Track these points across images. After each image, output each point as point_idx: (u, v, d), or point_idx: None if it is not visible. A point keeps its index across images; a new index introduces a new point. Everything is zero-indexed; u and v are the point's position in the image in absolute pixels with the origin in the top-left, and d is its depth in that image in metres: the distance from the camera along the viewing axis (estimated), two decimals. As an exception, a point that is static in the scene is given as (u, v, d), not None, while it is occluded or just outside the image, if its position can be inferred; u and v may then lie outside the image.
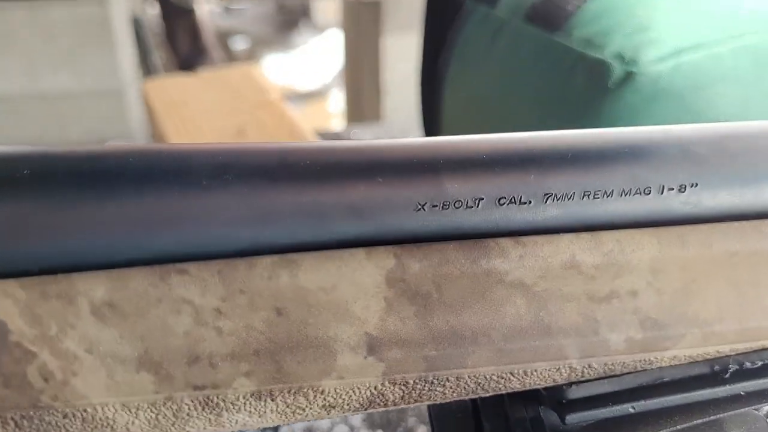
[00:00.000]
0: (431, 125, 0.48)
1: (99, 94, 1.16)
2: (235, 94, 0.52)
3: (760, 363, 0.18)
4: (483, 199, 0.16)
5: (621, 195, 0.16)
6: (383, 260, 0.15)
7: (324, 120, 1.97)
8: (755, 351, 0.18)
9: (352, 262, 0.15)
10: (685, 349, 0.17)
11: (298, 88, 2.15)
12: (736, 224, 0.17)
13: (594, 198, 0.16)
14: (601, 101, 0.35)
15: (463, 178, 0.16)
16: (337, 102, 1.99)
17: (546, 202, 0.16)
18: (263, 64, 2.32)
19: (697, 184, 0.17)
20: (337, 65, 2.00)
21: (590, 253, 0.16)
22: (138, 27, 1.30)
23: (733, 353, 0.17)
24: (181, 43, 1.86)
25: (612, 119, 0.35)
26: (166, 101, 0.50)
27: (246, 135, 0.45)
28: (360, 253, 0.15)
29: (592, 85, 0.35)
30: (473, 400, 0.18)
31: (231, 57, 2.46)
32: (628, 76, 0.34)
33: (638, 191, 0.16)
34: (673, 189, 0.17)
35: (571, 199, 0.16)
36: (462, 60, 0.43)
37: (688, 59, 0.35)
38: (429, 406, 0.19)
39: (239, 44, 2.45)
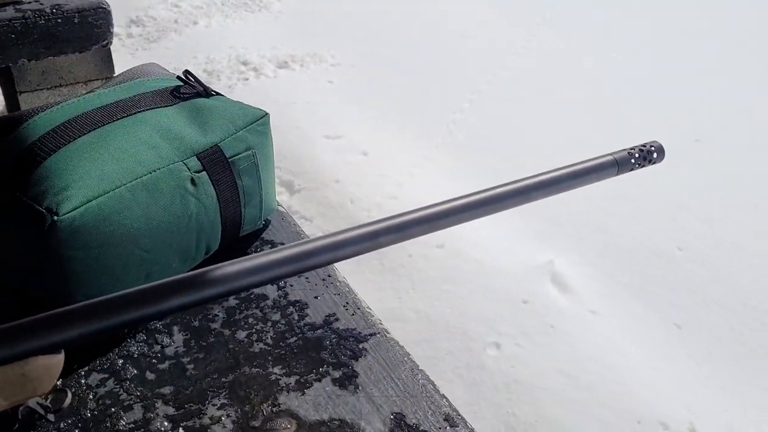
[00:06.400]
0: None
1: None
2: None
3: None
4: None
5: None
6: None
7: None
8: None
9: None
10: None
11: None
12: None
13: None
14: (46, 238, 0.55)
15: None
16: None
17: None
18: None
19: None
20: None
21: None
22: None
23: None
24: None
25: (53, 249, 0.56)
26: None
27: None
28: None
29: (40, 227, 0.55)
30: None
31: None
32: (54, 223, 0.55)
33: None
34: None
35: None
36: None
37: (94, 203, 0.56)
38: None
39: None
